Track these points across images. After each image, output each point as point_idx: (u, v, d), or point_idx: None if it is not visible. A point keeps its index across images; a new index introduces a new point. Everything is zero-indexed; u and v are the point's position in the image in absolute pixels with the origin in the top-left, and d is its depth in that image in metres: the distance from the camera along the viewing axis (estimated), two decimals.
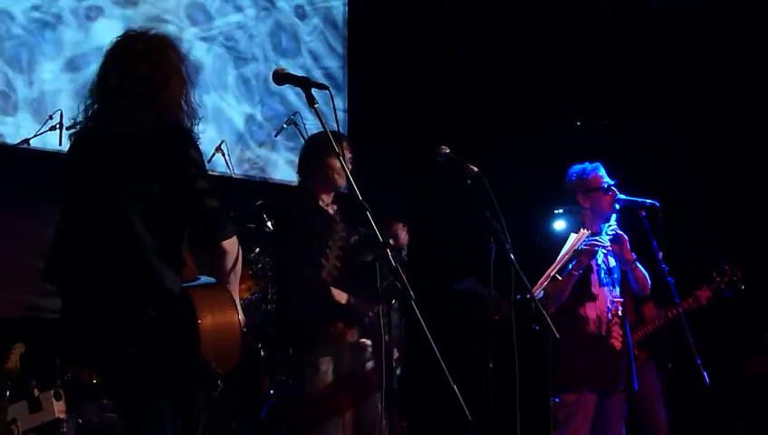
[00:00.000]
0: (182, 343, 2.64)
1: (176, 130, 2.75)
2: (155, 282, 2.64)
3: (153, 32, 2.90)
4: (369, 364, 3.95)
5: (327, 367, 3.82)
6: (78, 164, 2.80)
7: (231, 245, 2.78)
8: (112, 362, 2.68)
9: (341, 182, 3.98)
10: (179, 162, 2.71)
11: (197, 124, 2.85)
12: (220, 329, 2.70)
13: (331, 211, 4.03)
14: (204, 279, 2.87)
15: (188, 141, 2.76)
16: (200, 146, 2.82)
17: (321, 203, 4.01)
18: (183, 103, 2.82)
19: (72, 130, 2.92)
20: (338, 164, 3.79)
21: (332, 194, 4.05)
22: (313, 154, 4.05)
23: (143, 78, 2.76)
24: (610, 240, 4.41)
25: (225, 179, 5.99)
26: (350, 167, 3.94)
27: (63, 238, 2.77)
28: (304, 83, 2.97)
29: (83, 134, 2.83)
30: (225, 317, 2.74)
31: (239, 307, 2.82)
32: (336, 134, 3.83)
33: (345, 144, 3.96)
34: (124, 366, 2.65)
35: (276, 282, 4.74)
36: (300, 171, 4.13)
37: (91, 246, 2.69)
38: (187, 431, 2.75)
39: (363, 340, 3.96)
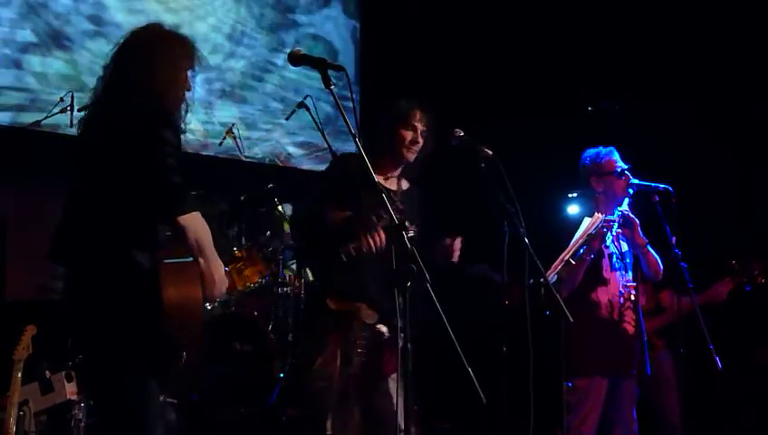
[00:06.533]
0: (146, 315, 2.78)
1: (155, 113, 2.87)
2: (125, 258, 2.81)
3: (152, 27, 3.08)
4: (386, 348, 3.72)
5: (335, 344, 3.65)
6: (79, 147, 3.00)
7: (189, 220, 2.85)
8: (89, 335, 2.87)
9: (409, 156, 3.78)
10: (153, 140, 2.83)
11: (185, 115, 3.01)
12: (183, 303, 2.82)
13: (389, 186, 3.79)
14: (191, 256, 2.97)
15: (165, 123, 2.88)
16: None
17: (379, 174, 3.62)
18: (172, 92, 2.97)
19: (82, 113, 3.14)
20: (409, 137, 3.72)
21: (399, 168, 3.84)
22: (386, 120, 3.81)
23: (135, 71, 2.94)
24: (620, 224, 4.39)
25: (234, 162, 5.98)
26: (420, 140, 3.76)
27: (65, 219, 2.94)
28: (321, 65, 2.95)
29: (86, 118, 3.04)
30: (189, 292, 2.84)
31: (209, 283, 2.89)
32: (412, 103, 3.76)
33: (419, 114, 3.77)
34: (97, 337, 2.83)
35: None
36: (369, 136, 3.74)
37: (77, 226, 2.89)
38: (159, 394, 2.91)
39: (380, 326, 3.73)
